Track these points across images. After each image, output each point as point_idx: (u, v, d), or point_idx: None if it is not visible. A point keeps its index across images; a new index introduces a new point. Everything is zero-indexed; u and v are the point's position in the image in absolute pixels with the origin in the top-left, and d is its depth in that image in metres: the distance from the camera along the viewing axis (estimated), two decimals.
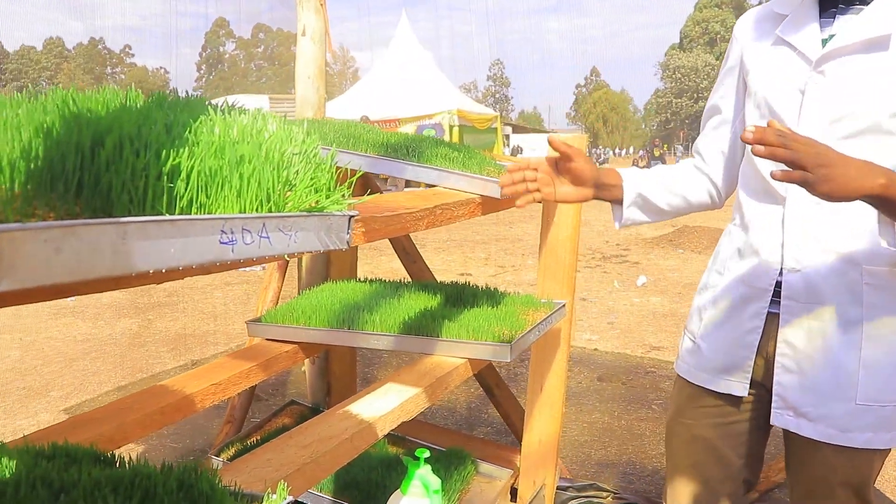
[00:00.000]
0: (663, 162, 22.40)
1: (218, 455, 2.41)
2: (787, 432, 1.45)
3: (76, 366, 4.59)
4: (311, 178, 0.87)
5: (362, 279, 2.70)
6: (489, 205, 1.95)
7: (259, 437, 2.52)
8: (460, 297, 2.37)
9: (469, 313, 2.16)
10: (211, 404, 1.81)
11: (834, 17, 1.33)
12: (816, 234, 1.32)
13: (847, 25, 1.29)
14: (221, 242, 0.71)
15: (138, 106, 0.81)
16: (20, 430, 3.41)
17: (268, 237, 0.78)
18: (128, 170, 0.65)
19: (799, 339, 1.36)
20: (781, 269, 1.37)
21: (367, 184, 2.79)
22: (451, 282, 2.57)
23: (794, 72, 1.34)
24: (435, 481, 1.84)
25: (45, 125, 0.67)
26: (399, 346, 2.08)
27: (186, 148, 0.71)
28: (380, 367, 4.64)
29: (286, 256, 0.83)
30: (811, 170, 1.06)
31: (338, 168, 1.14)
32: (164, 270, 0.65)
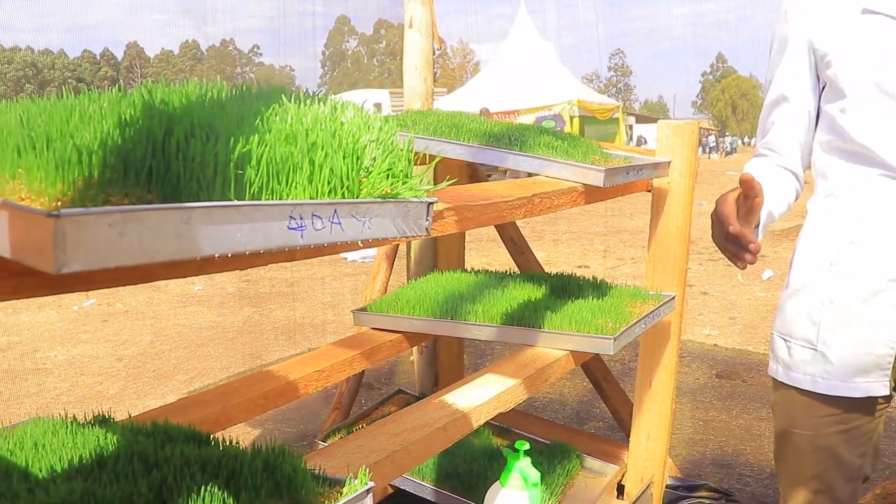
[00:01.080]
0: None
1: (325, 440, 2.47)
2: None
3: (200, 351, 4.82)
4: (388, 165, 0.87)
5: (469, 269, 2.71)
6: (593, 194, 1.90)
7: (364, 424, 2.56)
8: (565, 288, 2.33)
9: (573, 305, 2.12)
10: (314, 391, 1.85)
11: None
12: None
13: None
14: (290, 228, 0.72)
15: (216, 96, 0.83)
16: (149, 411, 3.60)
17: (339, 223, 0.78)
18: (197, 157, 0.67)
19: None
20: None
21: (473, 174, 2.79)
22: (558, 272, 2.53)
23: None
24: (534, 474, 1.82)
25: (122, 116, 0.70)
26: (500, 336, 2.06)
27: (257, 136, 0.72)
28: (491, 358, 4.64)
29: (360, 243, 0.83)
30: None
31: (437, 158, 1.14)
32: (229, 255, 0.66)
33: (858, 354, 1.36)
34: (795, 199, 1.52)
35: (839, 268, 1.38)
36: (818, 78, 1.41)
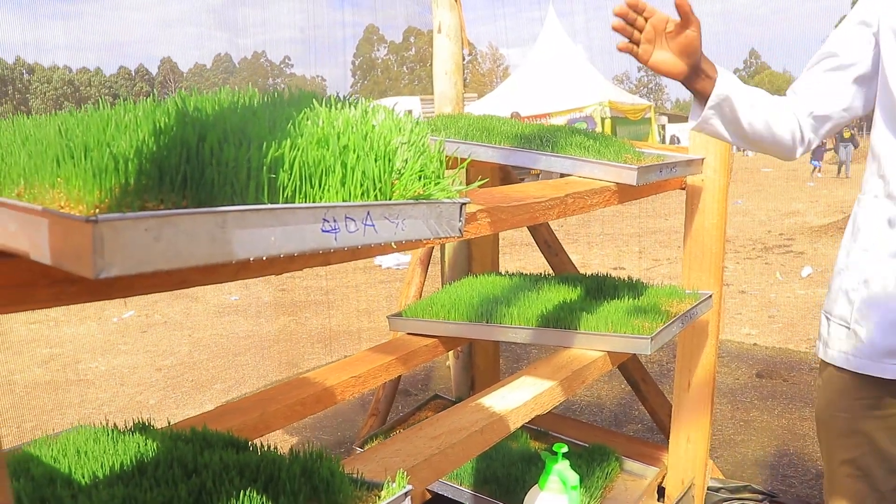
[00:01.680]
0: (855, 146, 20.25)
1: (362, 447, 2.48)
2: None
3: (238, 360, 4.87)
4: (420, 167, 0.87)
5: (503, 273, 2.70)
6: (626, 193, 1.89)
7: (401, 430, 2.56)
8: (601, 289, 2.31)
9: (609, 306, 2.10)
10: (350, 396, 1.85)
11: None
12: None
13: None
14: (324, 230, 0.73)
15: (248, 103, 0.84)
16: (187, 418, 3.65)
17: (373, 225, 0.78)
18: (230, 163, 0.68)
19: None
20: None
21: (505, 178, 2.79)
22: (593, 274, 2.52)
23: None
24: (573, 477, 1.81)
25: (157, 124, 0.71)
26: (536, 339, 2.06)
27: (289, 140, 0.73)
28: (527, 363, 4.63)
29: (393, 244, 0.83)
30: None
31: (467, 160, 1.14)
32: (264, 258, 0.67)
33: (888, 334, 1.35)
34: (788, 143, 1.47)
35: (878, 249, 1.37)
36: (872, 61, 1.39)
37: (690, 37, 1.32)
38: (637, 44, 1.36)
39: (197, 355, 5.04)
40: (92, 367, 4.88)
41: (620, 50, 1.35)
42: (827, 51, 1.45)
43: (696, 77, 1.39)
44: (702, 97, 1.42)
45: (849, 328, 1.43)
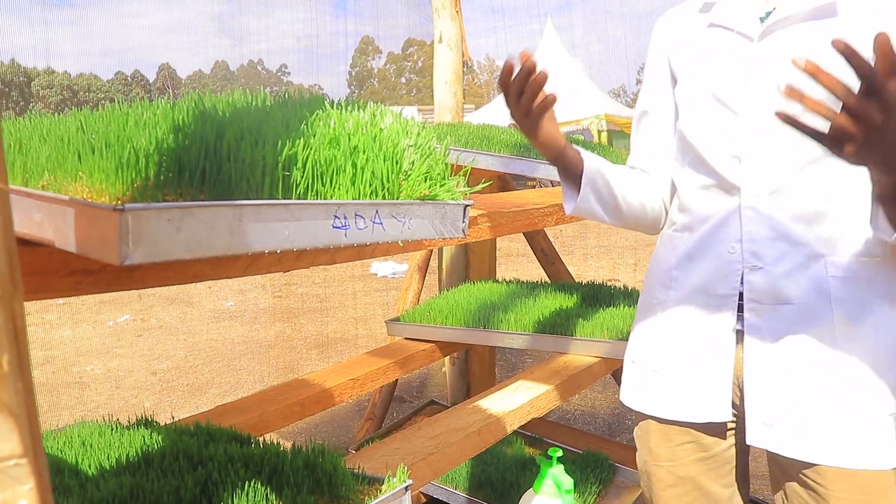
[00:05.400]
0: None
1: (357, 450, 2.49)
2: (774, 459, 1.24)
3: (233, 365, 4.87)
4: (426, 168, 0.90)
5: (500, 280, 2.73)
6: None
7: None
8: (596, 297, 2.34)
9: (605, 312, 2.13)
10: (349, 398, 1.88)
11: None
12: (774, 225, 1.15)
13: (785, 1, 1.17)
14: (334, 227, 0.75)
15: (261, 104, 0.87)
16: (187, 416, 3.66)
17: (381, 223, 0.81)
18: (246, 159, 0.70)
19: (768, 346, 1.18)
20: (742, 271, 1.19)
21: (504, 187, 2.82)
22: (588, 281, 2.55)
23: (733, 51, 1.20)
24: (567, 481, 1.83)
25: (176, 121, 0.74)
26: (532, 344, 2.08)
27: (302, 139, 0.75)
28: (522, 371, 4.65)
29: (400, 242, 0.86)
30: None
31: (468, 166, 1.17)
32: (278, 251, 0.69)
33: (697, 377, 1.26)
34: (659, 214, 1.38)
35: (679, 285, 1.28)
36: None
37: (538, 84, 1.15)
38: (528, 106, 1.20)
39: (193, 359, 5.04)
40: (87, 370, 4.88)
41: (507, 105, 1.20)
42: (641, 110, 1.40)
43: (565, 156, 1.28)
44: (572, 175, 1.30)
45: (655, 372, 1.33)
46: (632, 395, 1.37)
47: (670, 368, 1.28)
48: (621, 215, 1.34)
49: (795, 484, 1.20)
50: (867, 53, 0.86)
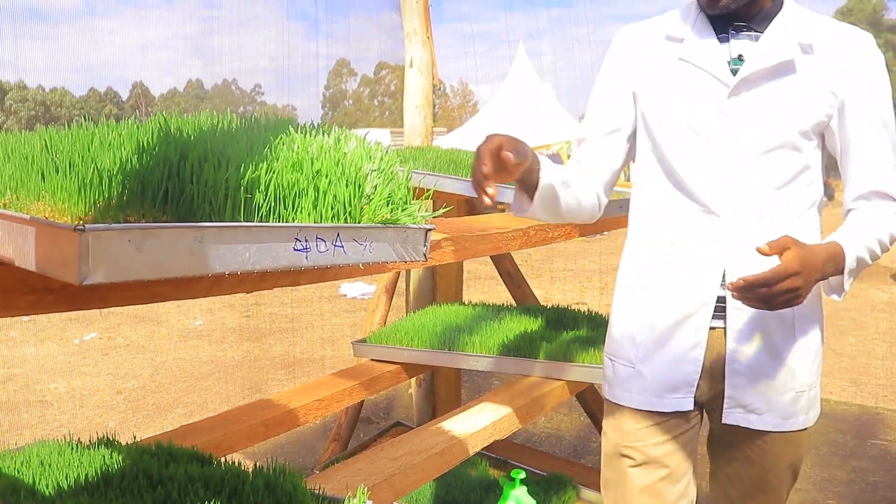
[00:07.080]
0: (829, 197, 20.29)
1: (321, 471, 2.48)
2: (723, 438, 1.50)
3: (200, 385, 4.83)
4: (388, 193, 0.91)
5: (467, 303, 2.74)
6: (587, 227, 1.95)
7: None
8: (561, 320, 2.37)
9: (568, 336, 2.15)
10: (314, 419, 1.88)
11: (728, 39, 1.40)
12: (755, 244, 1.31)
13: (754, 53, 1.37)
14: (295, 249, 0.77)
15: (227, 127, 0.88)
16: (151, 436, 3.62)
17: (342, 246, 0.82)
18: (209, 181, 0.72)
19: (747, 344, 1.42)
20: (723, 281, 1.39)
21: (471, 210, 2.84)
22: (554, 305, 2.57)
23: (712, 95, 1.39)
24: (530, 503, 1.84)
25: (140, 142, 0.75)
26: (497, 367, 2.10)
27: (265, 163, 0.77)
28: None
29: (361, 265, 0.87)
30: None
31: (437, 192, 1.19)
32: (239, 273, 0.71)
33: (670, 371, 1.46)
34: (595, 209, 1.55)
35: (660, 292, 1.47)
36: (636, 119, 1.52)
37: (510, 160, 1.23)
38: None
39: (159, 379, 4.99)
40: (51, 388, 4.81)
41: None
42: (602, 113, 1.56)
43: (532, 167, 1.36)
44: (527, 186, 1.39)
45: (634, 368, 1.52)
46: (610, 390, 1.57)
47: (650, 366, 1.49)
48: (560, 217, 1.52)
49: (741, 450, 1.49)
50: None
